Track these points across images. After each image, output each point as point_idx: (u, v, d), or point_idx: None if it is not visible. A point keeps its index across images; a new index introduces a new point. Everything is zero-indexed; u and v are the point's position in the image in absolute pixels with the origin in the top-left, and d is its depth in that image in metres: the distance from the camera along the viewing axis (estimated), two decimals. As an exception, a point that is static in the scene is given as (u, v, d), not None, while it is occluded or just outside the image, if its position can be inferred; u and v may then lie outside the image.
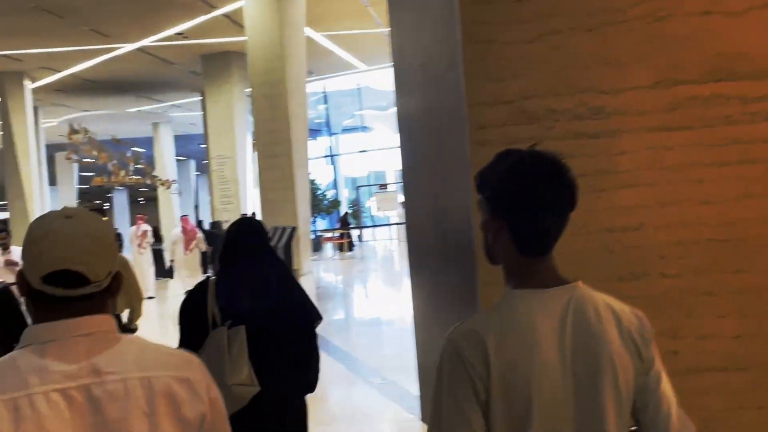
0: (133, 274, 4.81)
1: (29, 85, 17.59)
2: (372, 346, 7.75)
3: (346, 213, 23.92)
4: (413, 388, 4.20)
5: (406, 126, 3.66)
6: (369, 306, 11.66)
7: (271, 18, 12.62)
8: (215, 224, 15.06)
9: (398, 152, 3.77)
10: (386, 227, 24.07)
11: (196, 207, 32.14)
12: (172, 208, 23.44)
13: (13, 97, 17.04)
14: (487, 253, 1.13)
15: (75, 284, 0.90)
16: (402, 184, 3.97)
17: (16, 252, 5.62)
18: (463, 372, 1.03)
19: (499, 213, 1.07)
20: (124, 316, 4.51)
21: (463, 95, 2.32)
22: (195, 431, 0.95)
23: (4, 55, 15.31)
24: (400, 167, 3.83)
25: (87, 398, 0.88)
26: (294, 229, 12.31)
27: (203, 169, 29.93)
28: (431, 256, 3.28)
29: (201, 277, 4.61)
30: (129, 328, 4.39)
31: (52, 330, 0.92)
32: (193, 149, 29.09)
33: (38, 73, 17.23)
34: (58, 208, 1.04)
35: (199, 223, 16.30)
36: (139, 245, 11.72)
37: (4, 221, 5.44)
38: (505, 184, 1.06)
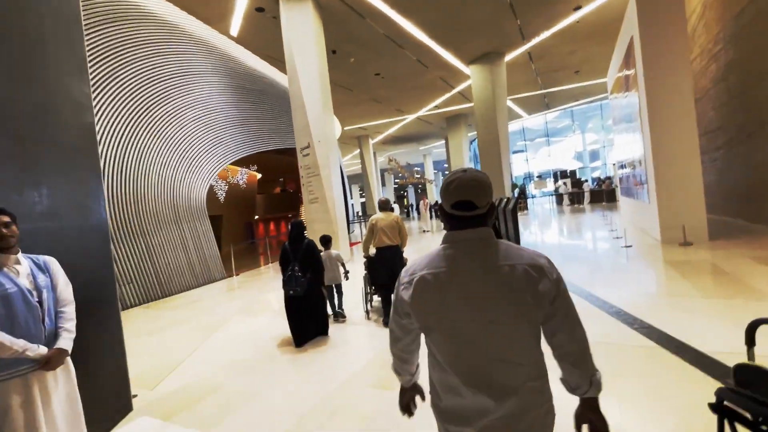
0: None
1: (371, 141, 31.95)
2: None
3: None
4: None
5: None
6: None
7: (485, 88, 18.41)
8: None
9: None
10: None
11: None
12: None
13: (365, 147, 31.34)
14: None
15: None
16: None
17: None
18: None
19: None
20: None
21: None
22: None
23: (360, 127, 28.43)
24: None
25: None
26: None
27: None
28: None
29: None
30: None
31: None
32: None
33: (374, 134, 31.37)
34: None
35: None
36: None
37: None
38: None
